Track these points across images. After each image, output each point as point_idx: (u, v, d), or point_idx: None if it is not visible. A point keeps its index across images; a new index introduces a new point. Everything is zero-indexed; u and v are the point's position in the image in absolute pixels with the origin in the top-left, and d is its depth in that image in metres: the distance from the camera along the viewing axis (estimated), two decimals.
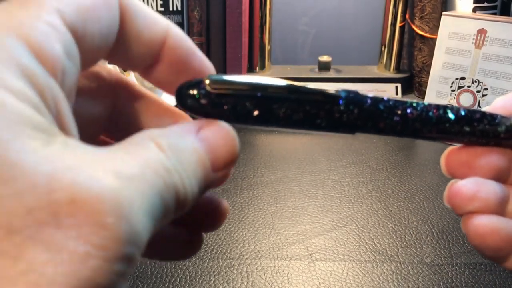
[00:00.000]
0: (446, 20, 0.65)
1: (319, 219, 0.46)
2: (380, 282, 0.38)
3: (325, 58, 0.78)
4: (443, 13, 0.66)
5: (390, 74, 0.78)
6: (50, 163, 0.12)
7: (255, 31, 0.75)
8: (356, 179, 0.54)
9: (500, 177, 0.21)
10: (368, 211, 0.48)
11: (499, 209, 0.20)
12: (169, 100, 0.20)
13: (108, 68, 0.19)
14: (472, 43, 0.64)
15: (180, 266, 0.39)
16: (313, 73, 0.77)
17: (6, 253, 0.11)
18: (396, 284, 0.37)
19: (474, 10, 0.68)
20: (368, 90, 0.75)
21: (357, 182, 0.53)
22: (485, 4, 0.68)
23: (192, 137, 0.16)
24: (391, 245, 0.42)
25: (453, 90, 0.66)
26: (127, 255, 0.12)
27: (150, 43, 0.17)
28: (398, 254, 0.41)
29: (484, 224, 0.20)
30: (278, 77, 0.19)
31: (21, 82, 0.12)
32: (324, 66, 0.78)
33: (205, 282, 0.37)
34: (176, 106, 0.20)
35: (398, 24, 0.76)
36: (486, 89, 0.64)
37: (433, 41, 0.69)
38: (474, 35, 0.63)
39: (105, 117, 0.19)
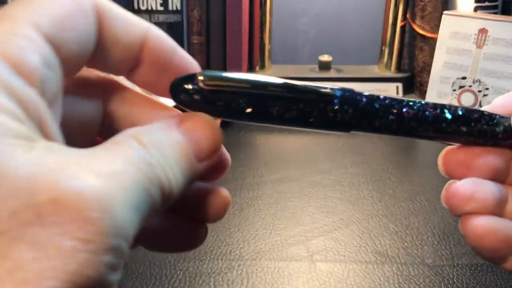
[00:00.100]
0: (447, 20, 0.65)
1: (320, 220, 0.46)
2: (381, 283, 0.37)
3: (325, 58, 0.78)
4: (444, 12, 0.66)
5: (391, 74, 0.78)
6: (31, 167, 0.12)
7: (255, 30, 0.75)
8: (357, 179, 0.54)
9: (498, 177, 0.21)
10: (369, 212, 0.47)
11: (497, 210, 0.20)
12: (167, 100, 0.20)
13: (98, 72, 0.19)
14: (473, 43, 0.63)
15: (180, 267, 0.39)
16: (314, 72, 0.77)
17: None
18: (397, 285, 0.37)
19: (475, 9, 0.68)
20: (369, 90, 0.75)
21: (357, 182, 0.53)
22: (486, 3, 0.68)
23: (174, 130, 0.17)
24: (392, 246, 0.42)
25: (454, 90, 0.66)
26: (114, 247, 0.13)
27: (130, 46, 0.18)
28: (399, 255, 0.41)
29: (482, 225, 0.20)
30: (278, 77, 0.19)
31: (1, 95, 0.13)
32: (325, 66, 0.78)
33: (205, 283, 0.37)
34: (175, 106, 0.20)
35: (398, 24, 0.75)
36: (487, 88, 0.64)
37: (434, 40, 0.69)
38: (475, 35, 0.63)
39: (97, 119, 0.20)
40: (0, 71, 0.13)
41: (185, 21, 0.69)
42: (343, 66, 0.80)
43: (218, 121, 0.19)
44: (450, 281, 0.38)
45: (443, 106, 0.20)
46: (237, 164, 0.56)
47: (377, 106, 0.19)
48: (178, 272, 0.38)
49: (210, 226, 0.46)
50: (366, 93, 0.20)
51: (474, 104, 0.65)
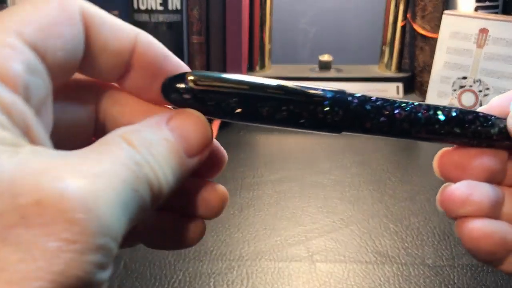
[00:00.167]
0: (447, 20, 0.65)
1: (320, 220, 0.46)
2: (381, 283, 0.37)
3: (325, 58, 0.78)
4: (445, 12, 0.66)
5: (391, 73, 0.77)
6: (15, 170, 0.12)
7: (255, 30, 0.75)
8: (357, 179, 0.54)
9: (494, 178, 0.21)
10: (369, 212, 0.47)
11: (493, 212, 0.20)
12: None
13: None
14: (474, 43, 0.63)
15: (179, 268, 0.39)
16: (314, 72, 0.77)
17: None
18: (397, 285, 0.37)
19: (476, 9, 0.68)
20: (369, 89, 0.75)
21: (358, 182, 0.53)
22: (487, 3, 0.68)
23: (163, 128, 0.17)
24: (392, 246, 0.42)
25: (454, 90, 0.66)
26: (101, 246, 0.13)
27: (119, 52, 0.18)
28: (400, 255, 0.41)
29: (478, 228, 0.20)
30: (277, 77, 0.19)
31: None
32: (325, 66, 0.78)
33: (205, 283, 0.37)
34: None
35: (399, 24, 0.75)
36: (487, 88, 0.64)
37: (435, 40, 0.69)
38: (475, 35, 0.63)
39: (91, 121, 0.20)
40: None
41: (185, 21, 0.69)
42: (343, 66, 0.80)
43: (218, 121, 0.19)
44: (451, 281, 0.38)
45: (436, 108, 0.20)
46: (237, 164, 0.56)
47: (368, 107, 0.19)
48: (178, 272, 0.38)
49: (210, 226, 0.46)
50: (358, 95, 0.19)
51: (475, 104, 0.65)
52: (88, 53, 0.17)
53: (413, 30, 0.76)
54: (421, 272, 0.39)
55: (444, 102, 0.67)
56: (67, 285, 0.12)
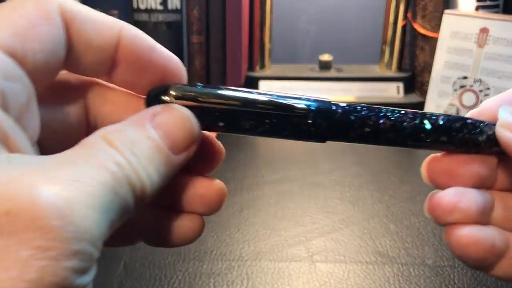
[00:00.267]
0: (448, 19, 0.65)
1: (320, 220, 0.46)
2: (382, 284, 0.37)
3: (326, 57, 0.78)
4: (445, 11, 0.66)
5: (392, 73, 0.77)
6: None
7: (255, 29, 0.75)
8: (357, 179, 0.54)
9: (483, 184, 0.21)
10: (369, 212, 0.47)
11: (481, 219, 0.20)
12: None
13: (77, 75, 0.19)
14: (474, 42, 0.63)
15: (179, 268, 0.39)
16: (314, 72, 0.77)
17: None
18: (397, 286, 0.37)
19: (477, 8, 0.68)
20: (369, 89, 0.75)
21: (358, 182, 0.53)
22: (487, 2, 0.68)
23: (146, 125, 0.17)
24: (392, 246, 0.42)
25: (455, 90, 0.66)
26: (78, 251, 0.13)
27: (103, 48, 0.17)
28: (400, 255, 0.41)
29: (466, 235, 0.20)
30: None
31: None
32: (325, 65, 0.77)
33: (205, 284, 0.37)
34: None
35: (399, 23, 0.75)
36: (488, 88, 0.64)
37: (435, 40, 0.69)
38: (476, 34, 0.63)
39: (82, 121, 0.20)
40: None
41: (185, 21, 0.69)
42: (343, 66, 0.79)
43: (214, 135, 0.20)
44: (451, 282, 0.38)
45: (423, 116, 0.20)
46: (237, 164, 0.56)
47: (352, 118, 0.19)
48: (178, 272, 0.38)
49: (210, 227, 0.46)
50: (343, 104, 0.19)
51: (475, 104, 0.65)
52: (72, 51, 0.17)
53: (414, 29, 0.76)
54: (422, 272, 0.39)
55: (444, 102, 0.67)
56: None
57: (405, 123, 0.19)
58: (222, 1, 0.69)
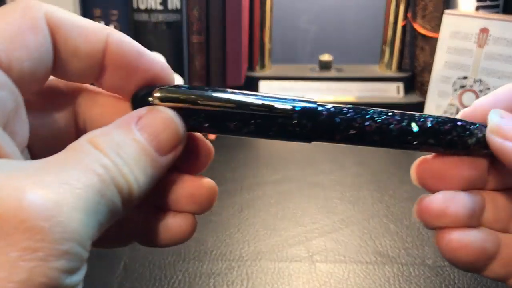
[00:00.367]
0: (448, 19, 0.65)
1: (320, 220, 0.46)
2: (382, 284, 0.37)
3: (326, 57, 0.77)
4: (445, 11, 0.66)
5: (392, 73, 0.77)
6: None
7: (255, 29, 0.75)
8: (357, 179, 0.54)
9: (473, 186, 0.21)
10: (369, 212, 0.47)
11: (471, 222, 0.20)
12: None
13: (65, 81, 0.20)
14: (474, 42, 0.63)
15: (179, 268, 0.39)
16: (314, 72, 0.77)
17: None
18: (397, 286, 0.37)
19: (477, 9, 0.68)
20: (370, 89, 0.75)
21: (358, 182, 0.53)
22: (488, 2, 0.68)
23: (132, 128, 0.17)
24: (392, 246, 0.42)
25: (455, 90, 0.66)
26: (66, 252, 0.13)
27: (90, 55, 0.18)
28: (400, 255, 0.41)
29: (455, 240, 0.20)
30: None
31: None
32: (325, 65, 0.77)
33: (205, 284, 0.37)
34: None
35: (399, 23, 0.75)
36: (488, 88, 0.64)
37: (435, 40, 0.69)
38: (476, 34, 0.63)
39: (71, 126, 0.20)
40: None
41: (185, 21, 0.69)
42: (343, 66, 0.79)
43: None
44: (451, 282, 0.38)
45: (411, 118, 0.20)
46: (237, 164, 0.56)
47: (337, 120, 0.19)
48: (178, 272, 0.38)
49: (210, 227, 0.46)
50: (329, 106, 0.19)
51: None
52: (59, 58, 0.17)
53: (414, 29, 0.76)
54: (422, 272, 0.39)
55: (444, 102, 0.67)
56: None
57: (391, 126, 0.19)
58: (222, 1, 0.69)
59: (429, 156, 0.21)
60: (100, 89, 0.20)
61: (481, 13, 0.67)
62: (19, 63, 0.15)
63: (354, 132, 0.19)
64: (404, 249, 0.41)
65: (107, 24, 0.68)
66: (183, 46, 0.70)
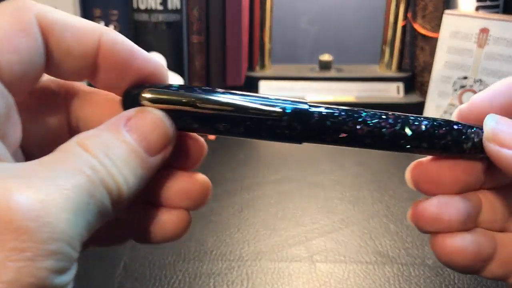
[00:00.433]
0: (448, 19, 0.65)
1: (320, 220, 0.46)
2: (382, 284, 0.37)
3: (326, 57, 0.77)
4: (445, 11, 0.66)
5: (392, 73, 0.77)
6: None
7: (255, 29, 0.75)
8: (357, 179, 0.54)
9: (468, 188, 0.21)
10: (369, 212, 0.47)
11: (467, 225, 0.20)
12: None
13: (58, 80, 0.20)
14: (474, 42, 0.63)
15: (179, 268, 0.39)
16: (314, 72, 0.77)
17: None
18: (397, 286, 0.37)
19: (477, 9, 0.68)
20: (370, 89, 0.75)
21: (358, 182, 0.53)
22: (488, 3, 0.68)
23: (121, 129, 0.17)
24: (392, 246, 0.42)
25: (455, 90, 0.66)
26: (54, 252, 0.13)
27: (83, 55, 0.18)
28: (400, 255, 0.41)
29: (450, 244, 0.20)
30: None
31: None
32: (325, 65, 0.77)
33: (205, 284, 0.37)
34: None
35: (399, 23, 0.75)
36: None
37: (435, 40, 0.69)
38: (476, 34, 0.63)
39: (63, 126, 0.20)
40: None
41: (185, 21, 0.69)
42: (343, 66, 0.79)
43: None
44: (451, 282, 0.38)
45: (405, 122, 0.19)
46: (237, 164, 0.56)
47: (328, 123, 0.19)
48: (178, 272, 0.38)
49: (210, 227, 0.46)
50: (321, 108, 0.19)
51: None
52: (51, 59, 0.17)
53: (414, 29, 0.76)
54: (422, 272, 0.39)
55: (444, 102, 0.67)
56: None
57: (384, 129, 0.19)
58: (222, 1, 0.69)
59: (424, 159, 0.21)
60: (92, 89, 0.20)
61: (481, 13, 0.67)
62: (9, 67, 0.15)
63: (346, 135, 0.19)
64: (404, 249, 0.41)
65: (107, 24, 0.68)
66: (183, 46, 0.70)
